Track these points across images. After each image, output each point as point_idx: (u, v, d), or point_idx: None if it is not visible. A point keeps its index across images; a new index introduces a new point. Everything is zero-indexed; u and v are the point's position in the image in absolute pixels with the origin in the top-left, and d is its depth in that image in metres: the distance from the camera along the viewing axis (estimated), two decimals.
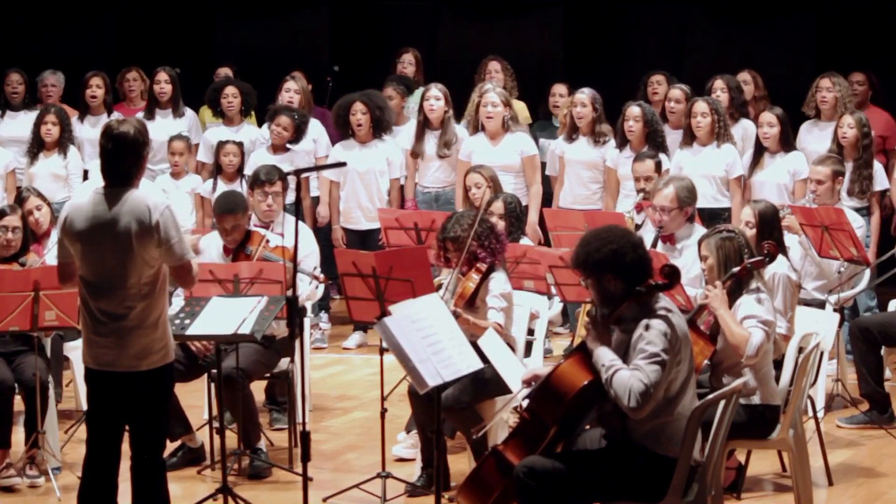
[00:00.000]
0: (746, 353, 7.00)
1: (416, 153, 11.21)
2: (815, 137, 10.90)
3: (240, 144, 10.95)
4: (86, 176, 11.52)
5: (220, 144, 10.97)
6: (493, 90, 10.89)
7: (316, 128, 11.54)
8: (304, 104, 11.57)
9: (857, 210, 10.05)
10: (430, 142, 11.17)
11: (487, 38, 13.66)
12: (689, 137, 10.64)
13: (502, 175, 10.57)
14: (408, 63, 12.51)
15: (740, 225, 8.08)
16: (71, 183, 11.36)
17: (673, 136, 10.85)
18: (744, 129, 11.06)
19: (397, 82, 11.88)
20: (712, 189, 10.52)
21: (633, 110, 10.62)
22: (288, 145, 11.11)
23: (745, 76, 11.71)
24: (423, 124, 11.19)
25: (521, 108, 11.94)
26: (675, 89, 11.20)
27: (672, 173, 10.47)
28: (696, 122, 10.56)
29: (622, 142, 10.70)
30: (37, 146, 11.39)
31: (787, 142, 10.50)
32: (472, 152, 10.83)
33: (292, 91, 11.59)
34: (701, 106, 10.57)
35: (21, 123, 11.93)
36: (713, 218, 9.98)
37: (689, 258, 8.45)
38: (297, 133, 11.09)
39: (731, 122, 10.98)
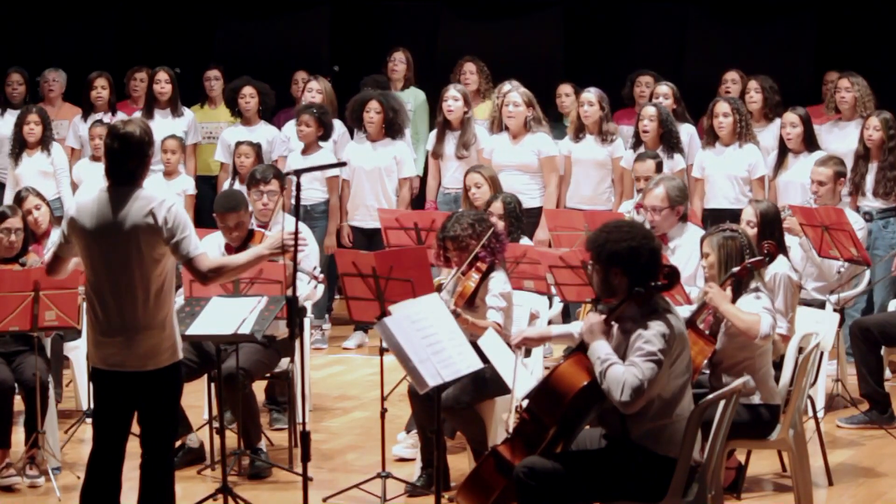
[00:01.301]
0: (760, 332, 6.98)
1: (436, 153, 11.23)
2: (836, 137, 10.86)
3: (255, 146, 10.96)
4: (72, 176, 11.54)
5: (236, 145, 11.00)
6: (515, 90, 10.90)
7: (338, 128, 11.55)
8: (327, 104, 11.58)
9: (883, 211, 10.06)
10: (450, 142, 11.18)
11: (487, 38, 13.67)
12: (712, 137, 10.64)
13: (519, 175, 10.63)
14: (399, 62, 12.49)
15: (742, 225, 8.06)
16: (59, 178, 11.37)
17: None
18: (778, 129, 11.02)
19: (373, 85, 11.88)
20: (735, 190, 10.52)
21: (649, 110, 10.63)
22: (321, 143, 11.10)
23: (733, 75, 11.71)
24: (444, 125, 11.21)
25: (485, 108, 11.89)
26: (662, 86, 11.19)
27: (694, 174, 10.50)
28: (719, 123, 10.56)
29: (637, 142, 10.69)
30: (19, 146, 11.41)
31: (811, 141, 10.47)
32: (493, 151, 10.87)
33: (314, 91, 11.61)
34: (722, 106, 10.57)
35: None
36: (735, 219, 9.91)
37: (683, 257, 8.46)
38: (324, 127, 11.09)
39: (766, 122, 10.99)
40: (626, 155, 10.74)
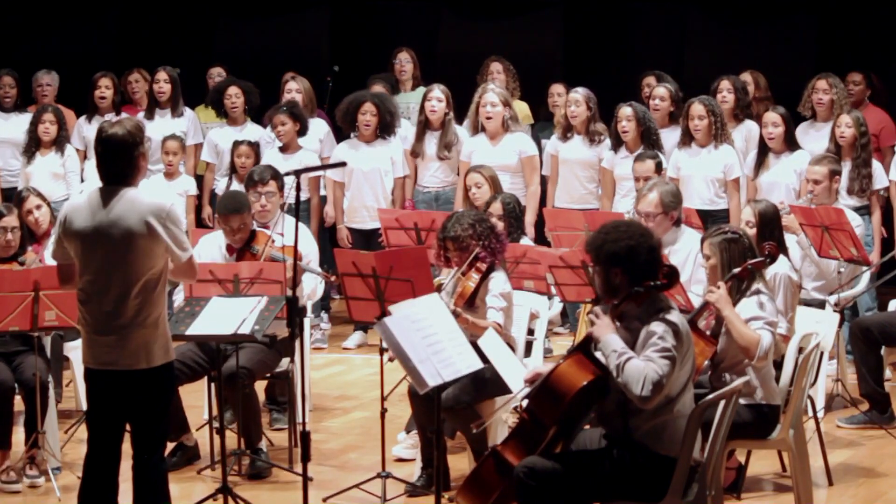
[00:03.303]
0: (757, 355, 6.98)
1: (416, 153, 11.23)
2: (812, 138, 10.83)
3: (254, 145, 10.96)
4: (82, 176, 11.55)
5: (235, 145, 10.99)
6: (492, 90, 10.91)
7: (321, 127, 11.55)
8: (307, 103, 11.58)
9: (857, 209, 10.05)
10: (431, 142, 11.18)
11: (487, 38, 13.67)
12: (688, 138, 10.63)
13: (500, 175, 10.58)
14: (406, 62, 12.50)
15: (741, 225, 8.06)
16: (69, 181, 11.39)
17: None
18: (748, 130, 11.02)
19: (385, 81, 11.87)
20: (710, 191, 10.51)
21: (625, 111, 10.62)
22: (300, 142, 11.10)
23: (746, 77, 11.69)
24: (424, 125, 11.20)
25: (522, 108, 11.95)
26: (659, 88, 11.19)
27: (670, 174, 10.49)
28: (694, 125, 10.54)
29: (617, 142, 10.69)
30: (34, 145, 11.43)
31: (792, 141, 10.46)
32: (473, 152, 10.85)
33: (294, 91, 11.60)
34: (697, 108, 10.54)
35: (14, 125, 11.94)
36: (710, 219, 9.94)
37: (678, 262, 8.39)
38: (300, 122, 11.06)
39: (736, 122, 10.97)
40: (607, 156, 10.75)
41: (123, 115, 11.89)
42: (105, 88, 12.09)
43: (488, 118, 10.81)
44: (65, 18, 14.71)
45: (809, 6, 13.51)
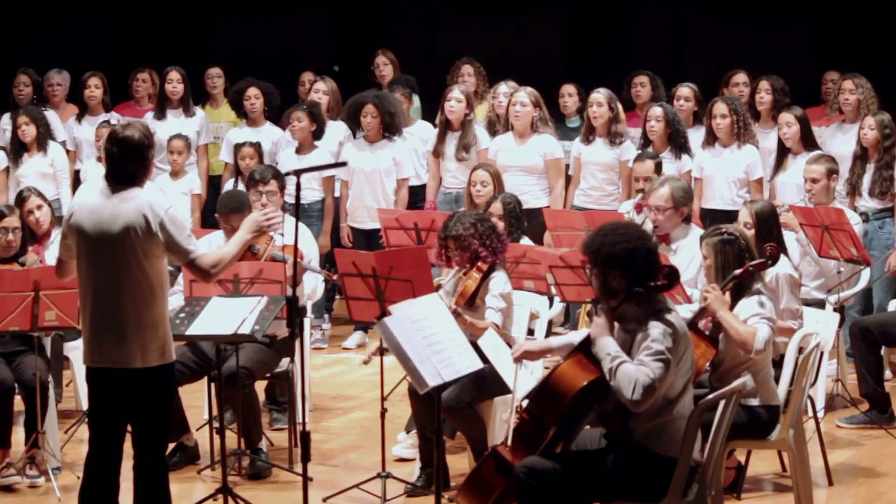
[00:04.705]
0: (755, 347, 6.94)
1: (437, 153, 11.21)
2: (840, 141, 10.76)
3: (256, 146, 10.96)
4: (78, 175, 11.51)
5: (238, 146, 11.00)
6: (522, 90, 10.87)
7: (342, 130, 11.53)
8: (333, 105, 11.57)
9: (879, 212, 10.05)
10: (451, 143, 11.16)
11: (487, 37, 13.67)
12: (711, 138, 10.61)
13: (524, 176, 10.61)
14: (383, 65, 12.47)
15: (739, 226, 8.03)
16: (59, 179, 11.32)
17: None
18: None
19: (404, 85, 11.89)
20: (732, 192, 10.50)
21: (655, 111, 10.60)
22: (316, 143, 11.09)
23: (742, 77, 11.67)
24: (445, 125, 11.19)
25: (482, 109, 11.89)
26: (683, 88, 11.15)
27: (694, 174, 10.50)
28: (716, 124, 10.52)
29: (644, 143, 10.67)
30: (17, 149, 11.38)
31: (809, 141, 10.41)
32: (499, 151, 10.85)
33: (321, 92, 11.58)
34: (720, 107, 10.53)
35: None
36: (732, 220, 9.88)
37: (685, 258, 8.43)
38: (316, 122, 11.06)
39: (774, 123, 10.91)
40: (633, 156, 10.72)
41: (115, 114, 11.88)
42: (94, 88, 12.04)
43: (517, 118, 10.79)
44: (65, 18, 14.71)
45: (809, 6, 13.51)
